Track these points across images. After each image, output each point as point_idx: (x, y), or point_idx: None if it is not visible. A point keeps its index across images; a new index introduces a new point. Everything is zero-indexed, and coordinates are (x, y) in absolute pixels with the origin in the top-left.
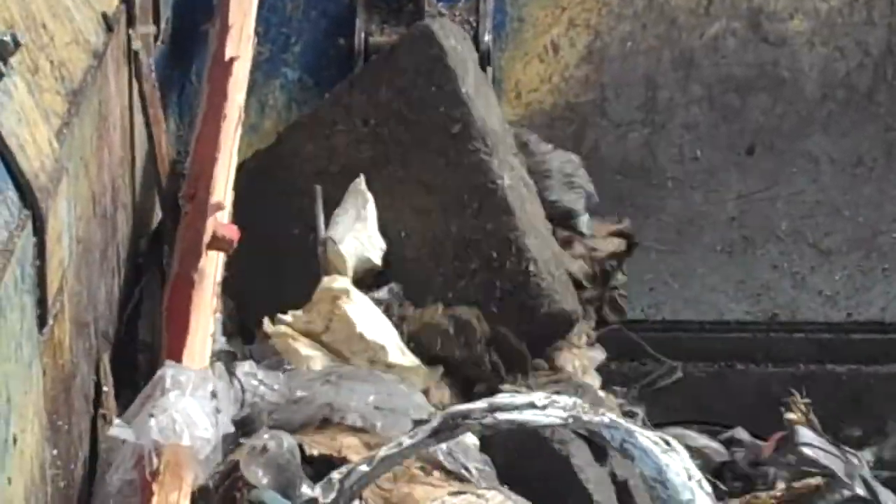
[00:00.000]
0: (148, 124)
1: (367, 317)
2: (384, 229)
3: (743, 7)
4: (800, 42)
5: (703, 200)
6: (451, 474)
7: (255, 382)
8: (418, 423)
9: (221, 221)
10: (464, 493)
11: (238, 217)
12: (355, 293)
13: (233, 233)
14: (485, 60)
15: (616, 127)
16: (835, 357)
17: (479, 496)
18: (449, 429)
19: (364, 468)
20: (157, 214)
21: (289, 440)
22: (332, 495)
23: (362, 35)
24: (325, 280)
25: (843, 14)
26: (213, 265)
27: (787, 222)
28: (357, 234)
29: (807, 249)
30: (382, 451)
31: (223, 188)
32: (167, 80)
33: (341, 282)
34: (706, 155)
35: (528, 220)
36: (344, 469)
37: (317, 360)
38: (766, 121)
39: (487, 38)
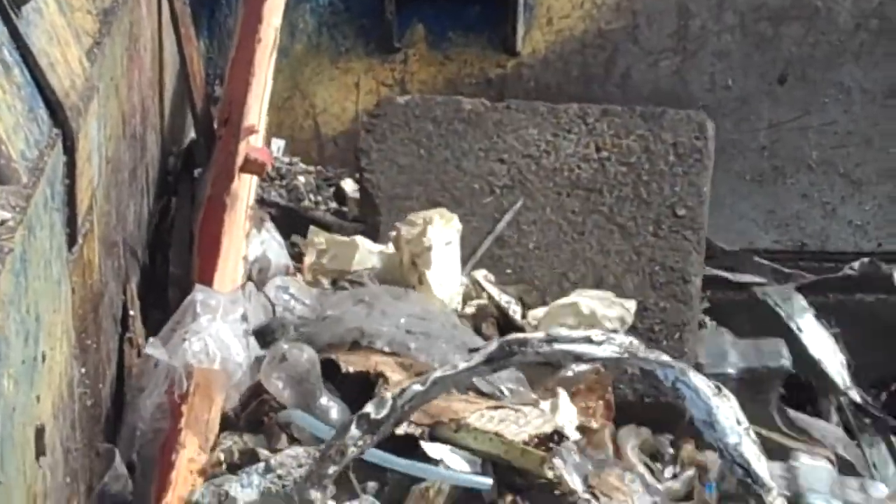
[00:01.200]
0: (180, 45)
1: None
2: None
3: None
4: None
5: (733, 129)
6: (482, 394)
7: (286, 297)
8: (474, 349)
9: (254, 145)
10: (502, 406)
11: None
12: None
13: (265, 156)
14: None
15: (647, 55)
16: (864, 287)
17: (516, 410)
18: (505, 356)
19: (418, 388)
20: (188, 135)
21: (309, 351)
22: (385, 412)
23: None
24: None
25: None
26: (245, 188)
27: (817, 152)
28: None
29: (837, 179)
30: (437, 373)
31: (257, 112)
32: (197, 3)
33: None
34: (738, 83)
35: None
36: (397, 389)
37: None
38: (798, 50)
39: None
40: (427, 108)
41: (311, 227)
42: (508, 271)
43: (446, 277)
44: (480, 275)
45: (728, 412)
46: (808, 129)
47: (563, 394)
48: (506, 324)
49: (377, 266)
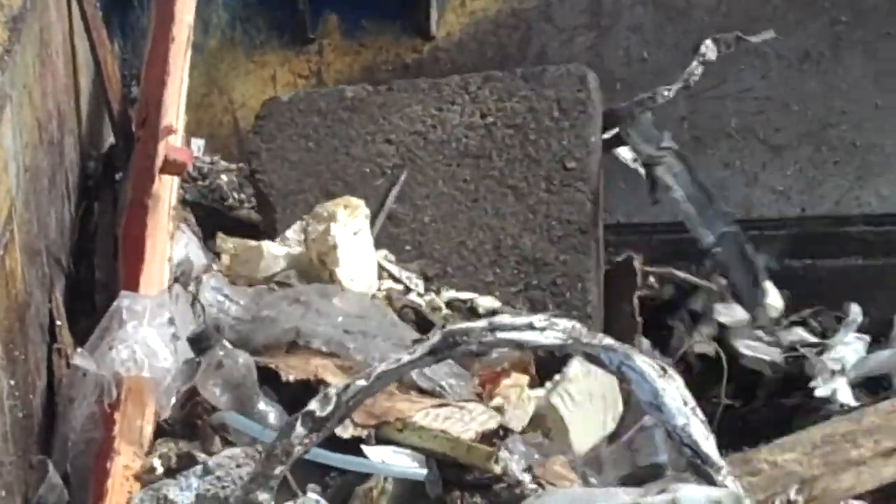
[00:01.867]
0: (93, 48)
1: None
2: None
3: None
4: None
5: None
6: (424, 392)
7: (220, 298)
8: (417, 341)
9: (174, 145)
10: (447, 405)
11: None
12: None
13: (185, 156)
14: None
15: (562, 32)
16: (790, 252)
17: (461, 407)
18: (448, 347)
19: (362, 383)
20: (108, 139)
21: (245, 357)
22: (329, 408)
23: None
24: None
25: None
26: (167, 189)
27: (736, 119)
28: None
29: (758, 146)
30: (381, 367)
31: (175, 112)
32: (109, 4)
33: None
34: (653, 56)
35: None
36: (341, 384)
37: None
38: (711, 19)
39: None
40: (311, 101)
41: (219, 234)
42: (408, 248)
43: (361, 269)
44: (381, 255)
45: (674, 393)
46: (725, 98)
47: None
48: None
49: (285, 268)
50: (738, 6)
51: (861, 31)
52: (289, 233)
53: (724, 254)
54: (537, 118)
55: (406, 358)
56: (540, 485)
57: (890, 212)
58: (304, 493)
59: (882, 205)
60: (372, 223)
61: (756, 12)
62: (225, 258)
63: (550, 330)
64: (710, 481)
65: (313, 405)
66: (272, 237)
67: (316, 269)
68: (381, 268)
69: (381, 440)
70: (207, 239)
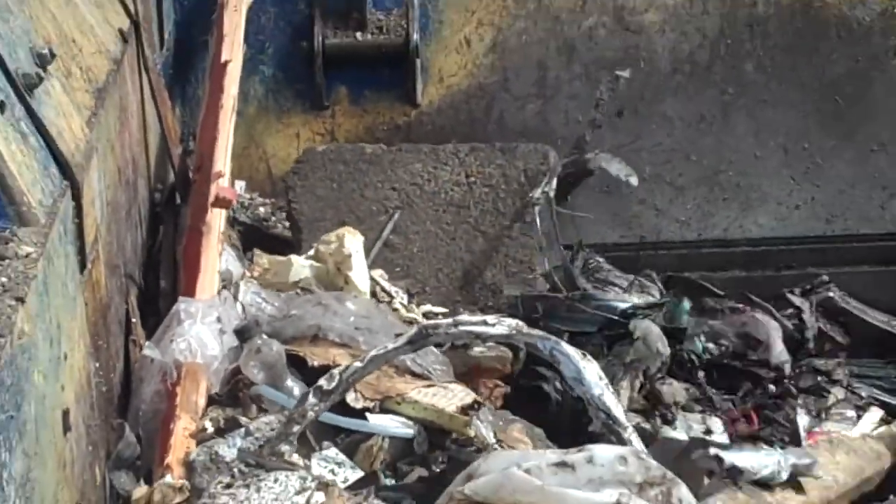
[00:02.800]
0: (159, 112)
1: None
2: None
3: (609, 5)
4: (654, 30)
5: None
6: (416, 375)
7: (259, 300)
8: (399, 334)
9: (222, 185)
10: (434, 385)
11: None
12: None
13: (231, 194)
14: (414, 53)
15: (516, 100)
16: (689, 266)
17: (444, 387)
18: (422, 338)
19: (358, 364)
20: (169, 179)
21: (277, 345)
22: (334, 384)
23: (320, 38)
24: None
25: (686, 7)
26: (217, 219)
27: (649, 167)
28: None
29: (665, 187)
30: (372, 353)
31: (223, 160)
32: (171, 80)
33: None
34: (586, 118)
35: None
36: (343, 366)
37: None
38: (630, 91)
39: (416, 36)
40: (339, 153)
41: (256, 250)
42: (398, 269)
43: (361, 278)
44: (377, 273)
45: (592, 371)
46: (641, 150)
47: None
48: None
49: (309, 276)
50: (650, 80)
51: (743, 99)
52: (311, 252)
53: (558, 272)
54: (507, 181)
55: (391, 346)
56: (502, 446)
57: (766, 236)
58: (321, 448)
59: (760, 231)
60: (371, 249)
61: (664, 85)
62: (256, 271)
63: (499, 325)
64: (619, 438)
65: (322, 381)
66: (298, 252)
67: (332, 276)
68: (374, 282)
69: (384, 410)
70: (247, 250)
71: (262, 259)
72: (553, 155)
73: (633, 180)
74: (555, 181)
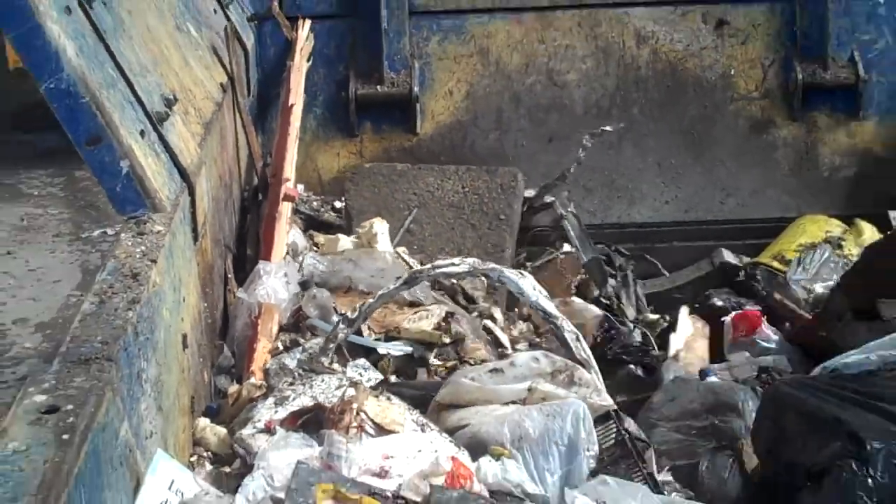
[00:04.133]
0: (247, 138)
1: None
2: None
3: (543, 68)
4: (573, 85)
5: (528, 166)
6: (412, 304)
7: (313, 262)
8: (398, 278)
9: (289, 187)
10: (421, 309)
11: None
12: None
13: (295, 193)
14: (415, 100)
15: (482, 132)
16: (596, 242)
17: (427, 310)
18: (413, 279)
19: (371, 301)
20: (253, 182)
21: (326, 293)
22: (356, 314)
23: (353, 90)
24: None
25: (594, 70)
26: (286, 209)
27: (570, 177)
28: None
29: (581, 190)
30: (380, 292)
31: (290, 170)
32: (256, 117)
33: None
34: (528, 145)
35: None
36: (361, 302)
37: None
38: (557, 126)
39: (416, 89)
40: (378, 169)
41: (312, 231)
42: (414, 247)
43: (384, 248)
44: (401, 249)
45: (528, 284)
46: (564, 164)
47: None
48: None
49: (350, 248)
50: (569, 119)
51: (631, 132)
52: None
53: (590, 264)
54: (490, 192)
55: (392, 286)
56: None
57: (645, 222)
58: (354, 360)
59: (641, 218)
60: (396, 234)
61: (580, 121)
62: (316, 244)
63: (463, 265)
64: (556, 326)
65: (348, 312)
66: (348, 234)
67: (366, 249)
68: (398, 255)
69: (388, 339)
70: (307, 231)
71: (319, 237)
72: (521, 176)
73: (570, 217)
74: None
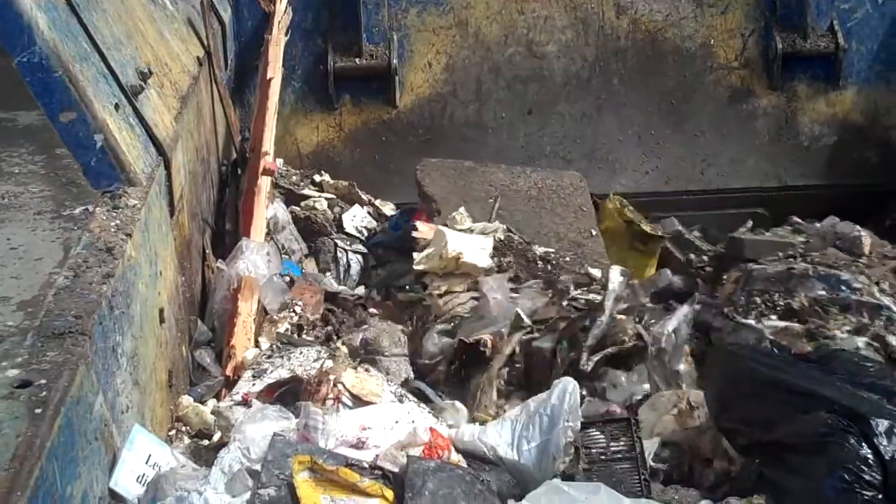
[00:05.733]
0: (224, 112)
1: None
2: None
3: (523, 39)
4: (552, 56)
5: (507, 137)
6: None
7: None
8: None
9: (268, 160)
10: None
11: None
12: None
13: (274, 167)
14: (394, 72)
15: (461, 103)
16: None
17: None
18: None
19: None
20: (232, 156)
21: None
22: None
23: (332, 63)
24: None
25: (573, 41)
26: (265, 183)
27: (549, 147)
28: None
29: (560, 161)
30: None
31: (269, 144)
32: (233, 91)
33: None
34: (507, 116)
35: None
36: None
37: None
38: (536, 97)
39: (395, 61)
40: (444, 164)
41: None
42: (505, 225)
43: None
44: (497, 225)
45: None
46: (543, 136)
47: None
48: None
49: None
50: (550, 90)
51: (611, 102)
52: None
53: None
54: (562, 189)
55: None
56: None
57: (626, 192)
58: None
59: (622, 188)
60: (486, 214)
61: (559, 93)
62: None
63: None
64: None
65: None
66: (438, 216)
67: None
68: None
69: None
70: (290, 204)
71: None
72: (583, 180)
73: None
74: None
